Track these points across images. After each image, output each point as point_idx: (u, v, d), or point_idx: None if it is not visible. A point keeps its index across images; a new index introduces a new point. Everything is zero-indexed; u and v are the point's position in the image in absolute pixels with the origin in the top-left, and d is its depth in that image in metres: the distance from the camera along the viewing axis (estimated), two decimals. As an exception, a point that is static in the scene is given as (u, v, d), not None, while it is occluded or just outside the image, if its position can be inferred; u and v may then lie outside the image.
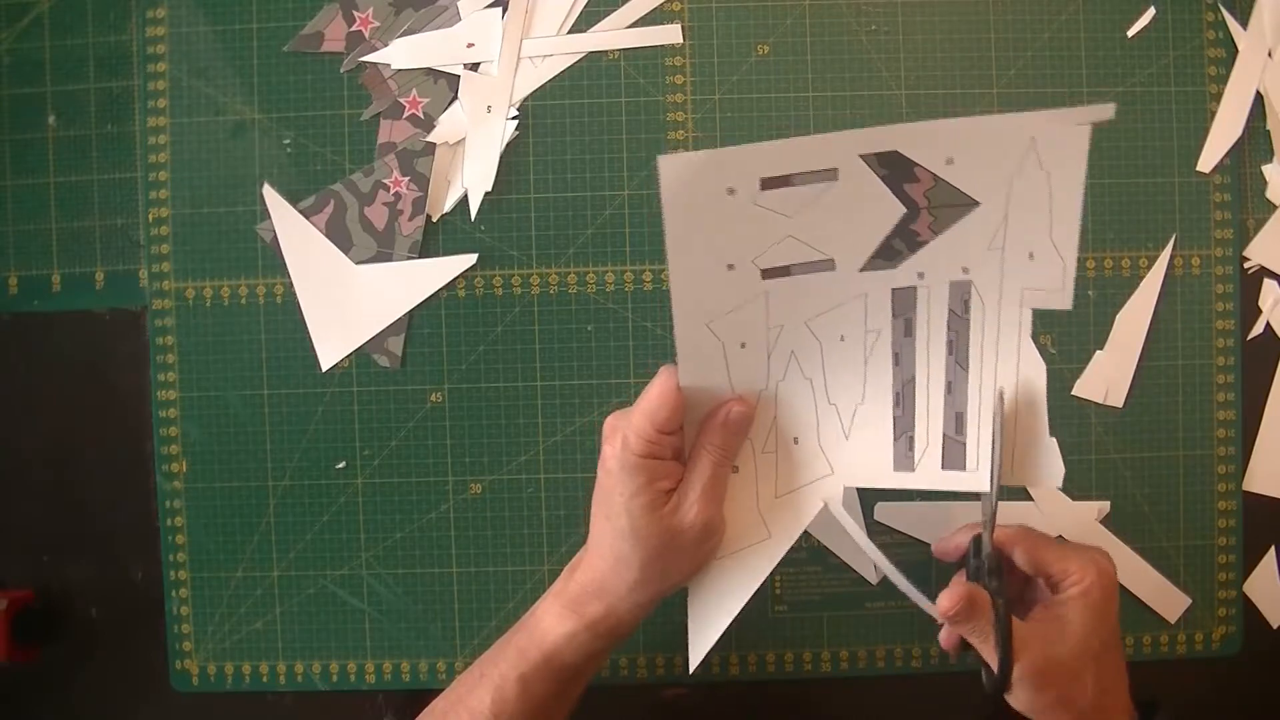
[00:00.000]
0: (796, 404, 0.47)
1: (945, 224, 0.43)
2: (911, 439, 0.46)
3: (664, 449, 0.45)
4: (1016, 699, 0.45)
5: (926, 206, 0.42)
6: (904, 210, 0.42)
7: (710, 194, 0.41)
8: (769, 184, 0.41)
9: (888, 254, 0.44)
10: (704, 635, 0.48)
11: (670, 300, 0.43)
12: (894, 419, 0.46)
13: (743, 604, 0.47)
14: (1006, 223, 0.43)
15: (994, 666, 0.44)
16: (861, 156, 0.41)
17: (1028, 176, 0.42)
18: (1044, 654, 0.44)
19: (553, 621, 0.47)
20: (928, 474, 0.46)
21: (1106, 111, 0.40)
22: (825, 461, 0.47)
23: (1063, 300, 0.43)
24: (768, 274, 0.44)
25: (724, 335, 0.45)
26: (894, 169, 0.41)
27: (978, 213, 0.43)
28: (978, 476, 0.44)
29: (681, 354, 0.45)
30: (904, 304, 0.45)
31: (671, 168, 0.40)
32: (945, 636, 0.48)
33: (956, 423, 0.45)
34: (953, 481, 0.45)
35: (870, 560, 0.57)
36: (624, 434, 0.45)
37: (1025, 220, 0.42)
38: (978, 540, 0.47)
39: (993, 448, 0.44)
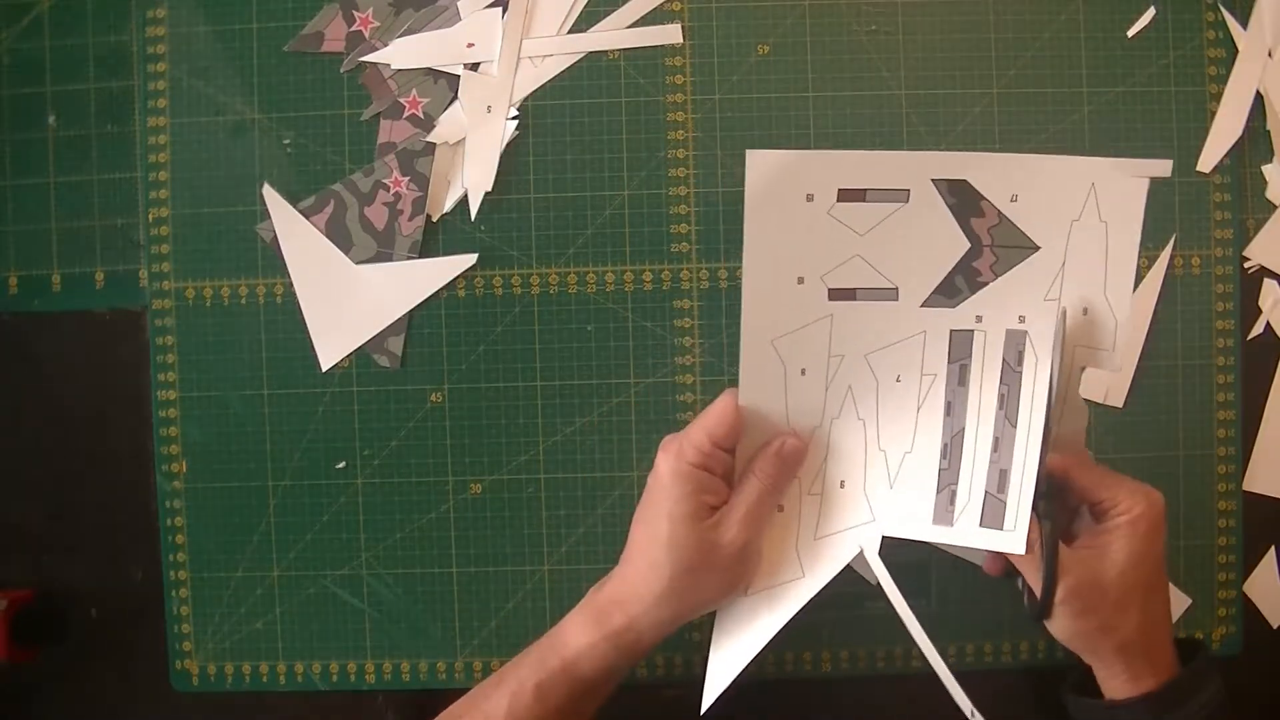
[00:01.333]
0: (847, 446, 0.47)
1: (1006, 266, 0.45)
2: (954, 493, 0.46)
3: (716, 464, 0.47)
4: (1058, 626, 0.45)
5: (990, 245, 0.44)
6: (968, 245, 0.44)
7: (791, 197, 0.43)
8: (845, 195, 0.43)
9: (949, 291, 0.45)
10: (723, 670, 0.48)
11: (740, 311, 0.45)
12: (939, 471, 0.46)
13: (766, 640, 0.48)
14: (1063, 272, 0.44)
15: (1037, 590, 0.44)
16: (934, 181, 0.42)
17: (1087, 225, 0.43)
18: (1088, 579, 0.44)
19: (575, 631, 0.47)
20: (965, 530, 0.46)
21: (1165, 168, 0.42)
22: (868, 508, 0.47)
23: (1114, 362, 0.44)
24: (834, 295, 0.46)
25: (786, 357, 0.46)
26: (962, 199, 0.43)
27: (1037, 258, 0.44)
28: (1014, 537, 0.44)
29: (744, 371, 0.47)
30: (961, 348, 0.46)
31: (759, 162, 0.42)
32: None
33: (999, 480, 0.45)
34: (989, 540, 0.45)
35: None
36: (680, 443, 0.46)
37: (1082, 273, 0.44)
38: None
39: (1052, 360, 0.43)
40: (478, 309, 0.58)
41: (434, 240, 0.58)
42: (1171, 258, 0.57)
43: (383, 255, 0.58)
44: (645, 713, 0.58)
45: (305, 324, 0.58)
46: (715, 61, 0.57)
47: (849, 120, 0.57)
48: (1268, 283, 0.58)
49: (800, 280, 0.45)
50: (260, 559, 0.58)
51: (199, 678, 0.59)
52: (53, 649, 0.59)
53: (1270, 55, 0.57)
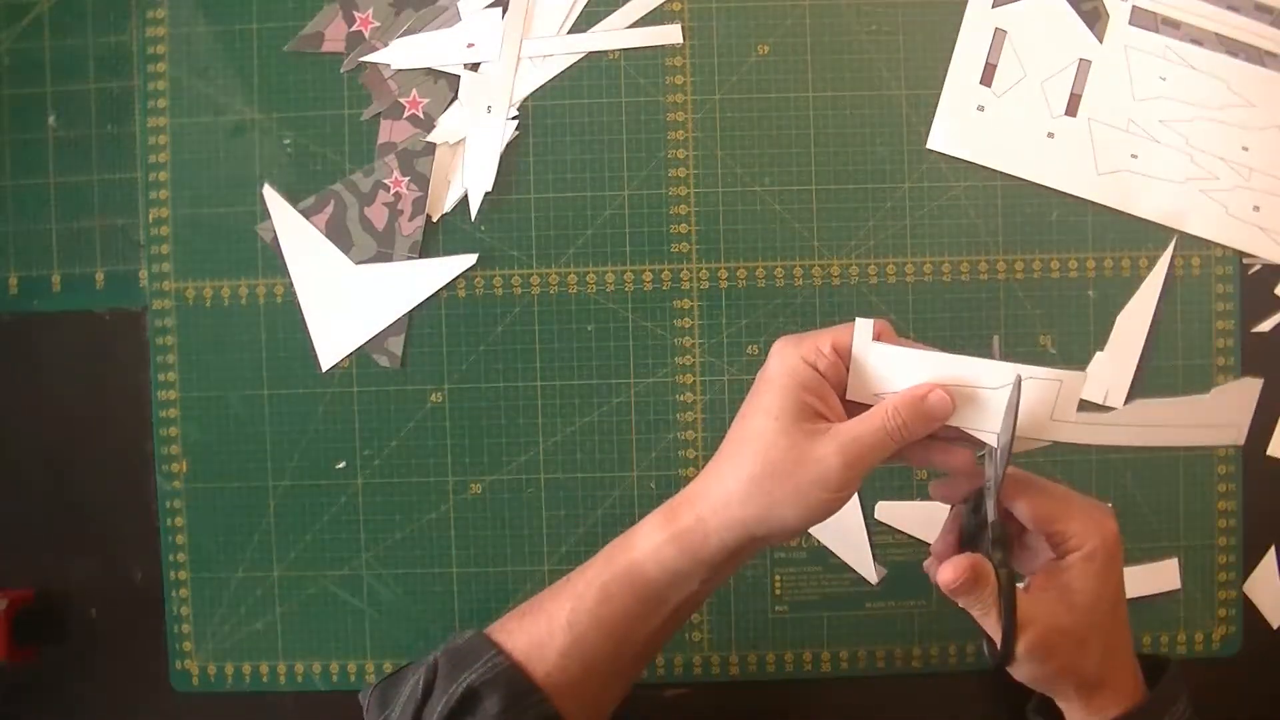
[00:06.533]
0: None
1: None
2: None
3: (830, 371, 0.43)
4: (1019, 671, 0.44)
5: None
6: None
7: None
8: None
9: None
10: None
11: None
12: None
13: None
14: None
15: (996, 639, 0.43)
16: None
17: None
18: (1049, 626, 0.43)
19: (645, 531, 0.44)
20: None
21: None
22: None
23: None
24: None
25: None
26: None
27: None
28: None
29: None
30: None
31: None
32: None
33: None
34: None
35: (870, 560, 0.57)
36: (798, 338, 0.43)
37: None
38: (979, 496, 0.45)
39: (1005, 420, 0.43)
40: (478, 309, 0.58)
41: (434, 240, 0.58)
42: (1172, 258, 0.57)
43: (383, 255, 0.58)
44: (646, 713, 0.58)
45: (305, 324, 0.58)
46: (715, 61, 0.57)
47: (849, 120, 0.57)
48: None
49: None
50: (260, 559, 0.58)
51: (199, 678, 0.59)
52: (53, 649, 0.59)
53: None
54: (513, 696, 0.43)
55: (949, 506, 0.48)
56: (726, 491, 0.42)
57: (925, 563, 0.47)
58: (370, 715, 0.46)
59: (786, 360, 0.43)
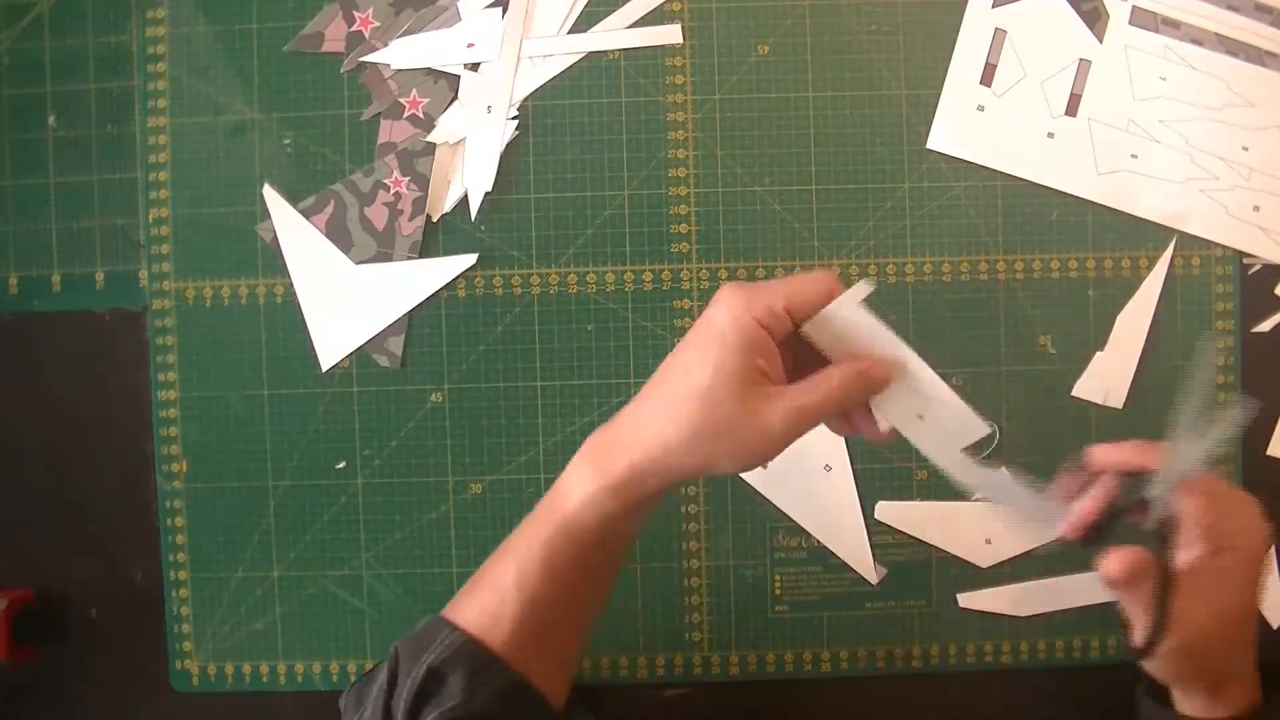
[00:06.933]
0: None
1: None
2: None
3: (779, 332, 0.42)
4: (1154, 666, 0.44)
5: None
6: None
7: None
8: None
9: None
10: None
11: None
12: None
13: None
14: None
15: (1138, 629, 0.43)
16: None
17: None
18: (1196, 629, 0.42)
19: (575, 480, 0.44)
20: None
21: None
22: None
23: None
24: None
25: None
26: None
27: None
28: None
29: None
30: None
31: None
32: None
33: None
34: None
35: (869, 554, 0.57)
36: (750, 294, 0.42)
37: None
38: (1141, 477, 0.43)
39: (1193, 399, 0.42)
40: (478, 309, 0.58)
41: (434, 240, 0.58)
42: (1171, 258, 0.57)
43: (383, 255, 0.58)
44: (646, 713, 0.58)
45: (305, 324, 0.58)
46: (715, 61, 0.57)
47: (849, 120, 0.57)
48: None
49: None
50: (260, 559, 0.58)
51: (199, 678, 0.59)
52: (53, 649, 0.59)
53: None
54: (474, 670, 0.43)
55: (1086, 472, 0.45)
56: (666, 439, 0.41)
57: (1047, 495, 0.45)
58: (347, 716, 0.46)
59: (740, 319, 0.41)
